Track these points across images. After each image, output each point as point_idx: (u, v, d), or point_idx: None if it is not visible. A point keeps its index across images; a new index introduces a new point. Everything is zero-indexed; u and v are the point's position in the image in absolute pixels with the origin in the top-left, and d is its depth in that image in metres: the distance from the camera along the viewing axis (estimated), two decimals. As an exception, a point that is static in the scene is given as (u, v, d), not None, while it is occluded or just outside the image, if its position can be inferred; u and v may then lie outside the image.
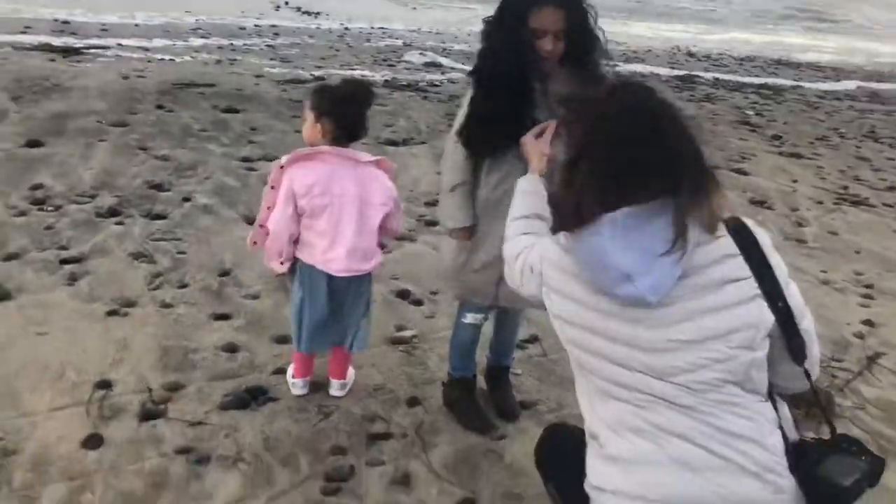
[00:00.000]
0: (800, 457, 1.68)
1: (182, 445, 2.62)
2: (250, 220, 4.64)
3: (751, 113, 10.03)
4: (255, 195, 5.03)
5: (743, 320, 1.63)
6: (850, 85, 14.14)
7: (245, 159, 5.86)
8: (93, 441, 2.60)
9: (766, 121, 9.58)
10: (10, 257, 3.87)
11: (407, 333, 3.50)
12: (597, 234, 1.59)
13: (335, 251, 2.67)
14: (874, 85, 14.26)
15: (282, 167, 2.65)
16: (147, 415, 2.77)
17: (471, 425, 2.87)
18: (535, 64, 2.38)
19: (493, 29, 2.43)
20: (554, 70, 2.41)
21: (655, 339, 1.64)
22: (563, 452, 2.13)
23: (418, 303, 3.83)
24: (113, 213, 4.54)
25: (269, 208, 2.73)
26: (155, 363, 3.09)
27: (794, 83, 13.64)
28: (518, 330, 3.05)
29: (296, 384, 2.97)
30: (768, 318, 1.64)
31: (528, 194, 2.10)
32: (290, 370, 3.03)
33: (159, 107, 7.10)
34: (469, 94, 2.54)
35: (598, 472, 1.74)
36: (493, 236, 2.56)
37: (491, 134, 2.46)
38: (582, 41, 2.36)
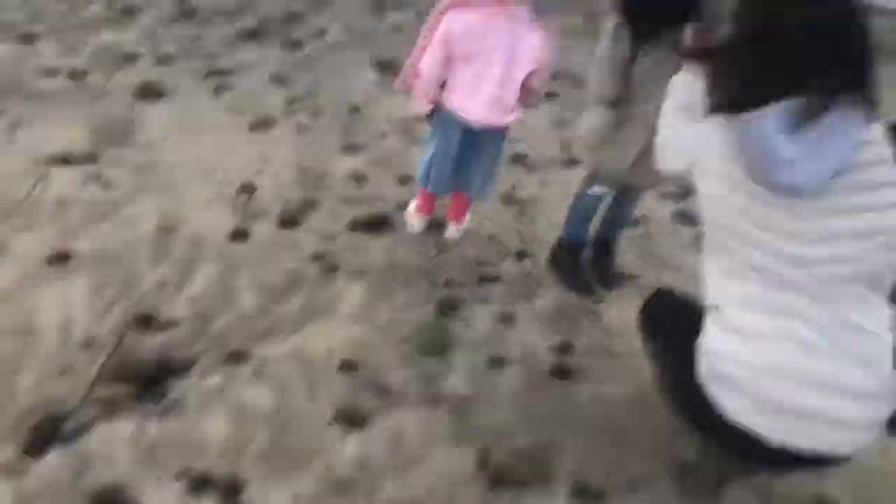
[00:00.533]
0: None
1: (316, 252, 2.91)
2: (380, 64, 4.80)
3: None
4: (385, 42, 5.19)
5: (890, 224, 1.72)
6: None
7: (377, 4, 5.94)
8: (239, 235, 2.91)
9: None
10: (163, 61, 4.14)
11: (522, 194, 3.68)
12: (765, 120, 1.66)
13: (476, 99, 2.80)
14: None
15: (442, 12, 2.77)
16: (286, 221, 3.06)
17: (573, 286, 3.07)
18: None
19: None
20: None
21: (802, 228, 1.73)
22: (670, 315, 2.30)
23: (533, 168, 3.99)
24: (253, 34, 4.75)
25: (423, 49, 2.85)
26: (293, 178, 3.36)
27: None
28: (634, 209, 3.20)
29: (415, 221, 3.21)
30: None
31: (684, 91, 2.10)
32: (412, 206, 3.25)
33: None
34: None
35: (716, 338, 1.89)
36: (638, 122, 2.65)
37: (652, 16, 2.51)
38: None
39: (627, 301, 3.03)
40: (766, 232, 1.78)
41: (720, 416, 1.94)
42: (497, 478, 2.15)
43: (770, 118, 1.68)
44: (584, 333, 2.84)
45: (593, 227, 3.23)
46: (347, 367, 2.40)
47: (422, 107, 2.91)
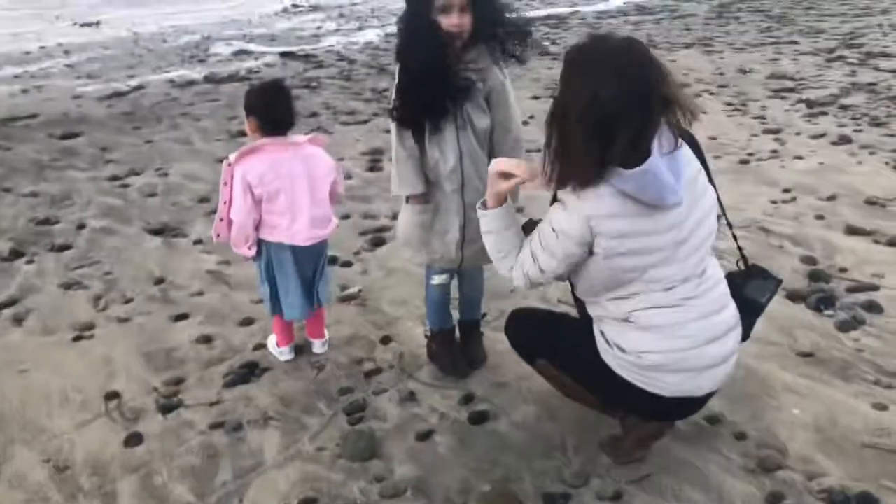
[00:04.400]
0: (730, 285, 2.43)
1: (213, 422, 2.97)
2: (153, 231, 4.87)
3: (548, 43, 11.03)
4: (144, 207, 5.26)
5: (711, 201, 2.33)
6: (618, 2, 15.65)
7: (113, 178, 5.93)
8: (134, 439, 2.89)
9: (562, 47, 10.57)
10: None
11: (353, 290, 3.96)
12: (652, 166, 2.09)
13: (298, 224, 3.06)
14: (637, -1, 15.83)
15: (230, 164, 3.01)
16: (166, 408, 3.07)
17: (450, 372, 3.22)
18: (448, 47, 2.65)
19: (405, 19, 2.72)
20: (466, 46, 2.69)
21: (681, 233, 2.23)
22: (540, 330, 2.72)
23: (348, 264, 4.29)
24: (17, 254, 4.59)
25: (225, 202, 3.06)
26: (145, 367, 3.37)
27: (571, 9, 14.96)
28: (483, 286, 3.30)
29: (283, 352, 3.37)
30: (715, 196, 2.36)
31: (503, 231, 2.47)
32: (272, 341, 3.41)
33: (-7, 146, 6.88)
34: (396, 80, 2.83)
35: (633, 340, 2.33)
36: (448, 208, 2.88)
37: (420, 113, 2.77)
38: (490, 10, 2.67)
39: (486, 336, 3.42)
40: (664, 250, 2.24)
41: (645, 393, 2.38)
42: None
43: (654, 162, 2.10)
44: (473, 379, 3.18)
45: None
46: None
47: (246, 252, 3.11)
